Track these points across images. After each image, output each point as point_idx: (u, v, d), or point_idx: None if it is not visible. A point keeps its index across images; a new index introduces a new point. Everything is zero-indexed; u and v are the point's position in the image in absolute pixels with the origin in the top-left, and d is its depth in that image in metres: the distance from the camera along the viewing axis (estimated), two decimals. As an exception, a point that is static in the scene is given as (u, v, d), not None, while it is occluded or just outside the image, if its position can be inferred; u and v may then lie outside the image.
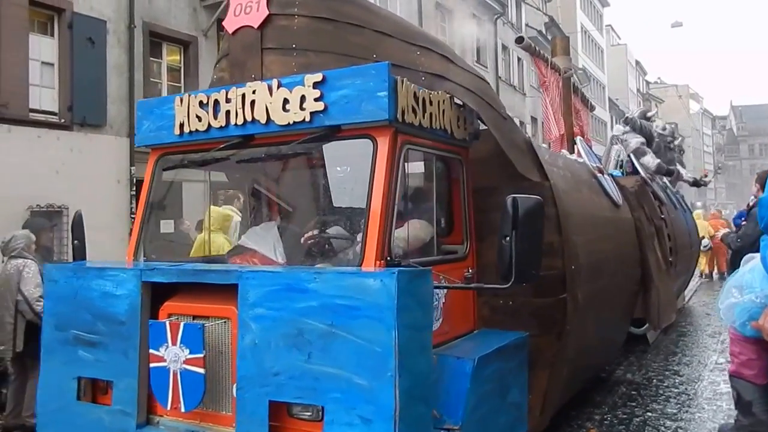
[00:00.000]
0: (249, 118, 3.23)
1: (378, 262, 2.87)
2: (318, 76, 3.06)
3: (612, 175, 6.47)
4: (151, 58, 11.68)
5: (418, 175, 3.69)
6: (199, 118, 3.39)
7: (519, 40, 7.42)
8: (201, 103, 3.38)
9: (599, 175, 5.59)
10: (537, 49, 7.84)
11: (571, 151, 7.12)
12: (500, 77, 25.86)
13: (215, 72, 3.68)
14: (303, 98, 3.09)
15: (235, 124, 3.28)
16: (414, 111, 3.12)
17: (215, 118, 3.34)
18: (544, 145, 5.73)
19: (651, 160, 7.77)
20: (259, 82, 3.22)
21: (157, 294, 3.19)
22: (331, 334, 2.60)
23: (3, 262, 5.20)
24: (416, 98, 3.14)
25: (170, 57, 12.24)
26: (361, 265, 2.89)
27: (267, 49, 3.34)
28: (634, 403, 5.63)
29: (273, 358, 2.74)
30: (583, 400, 5.54)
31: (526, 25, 30.08)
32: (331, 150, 3.30)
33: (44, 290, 3.48)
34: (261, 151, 3.33)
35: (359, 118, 3.00)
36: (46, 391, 3.47)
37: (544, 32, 30.49)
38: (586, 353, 4.75)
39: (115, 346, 3.17)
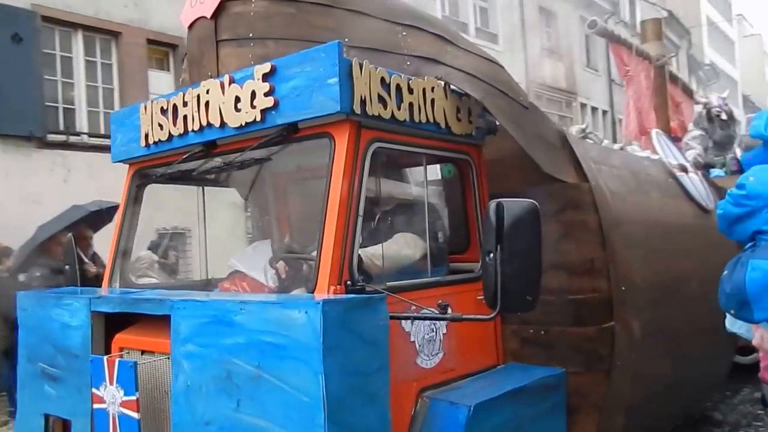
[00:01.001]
0: (205, 123, 2.81)
1: (333, 287, 2.32)
2: (267, 67, 2.59)
3: (706, 175, 5.43)
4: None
5: (404, 180, 3.10)
6: (161, 127, 3.02)
7: (591, 25, 6.56)
8: (162, 110, 3.02)
9: (680, 174, 4.65)
10: (617, 34, 6.92)
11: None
12: (613, 80, 24.16)
13: (183, 73, 3.32)
14: (253, 94, 2.62)
15: (193, 131, 2.88)
16: (383, 101, 2.55)
17: (174, 125, 2.96)
18: (606, 140, 4.87)
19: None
20: (213, 79, 2.80)
21: (119, 324, 2.84)
22: (259, 378, 2.08)
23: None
24: (386, 85, 2.57)
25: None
26: (313, 291, 2.36)
27: (222, 41, 2.91)
28: (760, 423, 4.64)
29: (204, 403, 2.27)
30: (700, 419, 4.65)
31: (642, 22, 28.04)
32: (297, 153, 2.81)
33: (18, 319, 3.27)
34: (226, 159, 2.90)
35: (311, 113, 2.49)
36: (20, 428, 3.23)
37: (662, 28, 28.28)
38: (662, 394, 3.85)
39: (72, 382, 2.85)
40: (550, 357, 3.14)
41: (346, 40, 2.87)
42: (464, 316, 2.29)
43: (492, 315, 2.22)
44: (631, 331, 3.23)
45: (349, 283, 2.36)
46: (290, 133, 2.59)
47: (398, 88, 2.63)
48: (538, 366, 3.10)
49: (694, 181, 4.81)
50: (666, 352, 3.76)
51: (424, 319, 2.39)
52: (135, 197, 3.32)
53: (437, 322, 2.75)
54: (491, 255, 2.19)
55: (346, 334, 1.97)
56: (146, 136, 3.10)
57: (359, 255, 2.62)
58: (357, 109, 2.44)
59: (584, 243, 3.15)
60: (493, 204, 2.21)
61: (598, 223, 3.19)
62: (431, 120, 2.80)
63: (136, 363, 2.49)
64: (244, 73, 2.68)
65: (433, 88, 2.81)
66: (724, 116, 6.45)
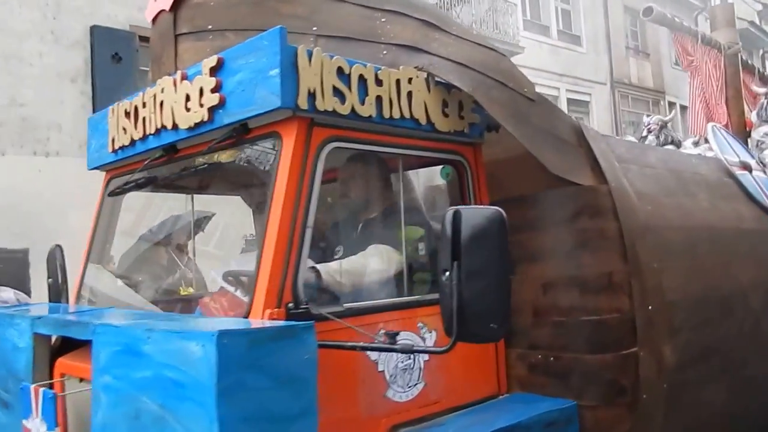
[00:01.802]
0: (160, 125, 2.57)
1: (270, 311, 2.00)
2: (213, 60, 2.31)
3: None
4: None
5: (378, 184, 2.73)
6: (125, 131, 2.80)
7: (647, 12, 5.95)
8: (126, 113, 2.80)
9: (741, 173, 4.03)
10: (678, 21, 6.26)
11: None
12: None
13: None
14: (201, 91, 2.35)
15: (152, 134, 2.64)
16: (340, 94, 2.21)
17: (135, 128, 2.73)
18: (630, 137, 4.30)
19: None
20: (168, 76, 2.55)
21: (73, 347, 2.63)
22: (162, 420, 1.77)
23: None
24: (345, 76, 2.23)
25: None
26: (248, 316, 2.05)
27: (180, 35, 2.66)
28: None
29: (116, 444, 1.99)
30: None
31: (712, 8, 26.27)
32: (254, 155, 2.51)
33: None
34: (183, 164, 2.64)
35: (255, 110, 2.18)
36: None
37: (757, 22, 26.34)
38: (714, 427, 3.28)
39: (15, 411, 2.66)
40: (563, 387, 2.69)
41: (315, 28, 2.56)
42: (415, 348, 1.91)
43: (447, 347, 1.83)
44: (662, 358, 2.72)
45: (291, 305, 2.04)
46: (241, 133, 2.30)
47: (362, 79, 2.28)
48: (546, 397, 2.66)
49: (760, 181, 4.17)
50: (718, 379, 3.19)
51: (366, 349, 2.02)
52: (111, 207, 3.12)
53: (416, 347, 2.38)
54: (447, 274, 1.81)
55: (251, 373, 1.63)
56: (113, 140, 2.90)
57: (318, 271, 2.30)
58: (303, 104, 2.11)
59: (601, 254, 2.68)
60: (449, 213, 1.82)
61: (619, 230, 2.71)
62: (408, 115, 2.43)
63: (55, 394, 2.26)
64: (195, 68, 2.41)
65: (410, 80, 2.44)
66: None
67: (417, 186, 3.36)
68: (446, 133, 2.59)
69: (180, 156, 2.63)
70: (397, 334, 1.93)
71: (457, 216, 1.81)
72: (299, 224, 2.10)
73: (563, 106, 17.88)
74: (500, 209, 1.83)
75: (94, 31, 9.54)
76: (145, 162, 2.69)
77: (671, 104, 21.61)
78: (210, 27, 2.61)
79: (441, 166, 3.01)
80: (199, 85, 2.35)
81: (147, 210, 3.39)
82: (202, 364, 1.62)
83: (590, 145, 2.87)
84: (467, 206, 1.85)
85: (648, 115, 6.94)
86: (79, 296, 3.07)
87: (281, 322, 1.92)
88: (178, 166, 2.64)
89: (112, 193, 3.06)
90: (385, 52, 2.56)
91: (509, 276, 1.84)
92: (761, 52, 22.39)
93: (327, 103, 2.17)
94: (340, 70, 2.22)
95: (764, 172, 4.40)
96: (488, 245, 1.80)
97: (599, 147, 2.91)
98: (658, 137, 6.12)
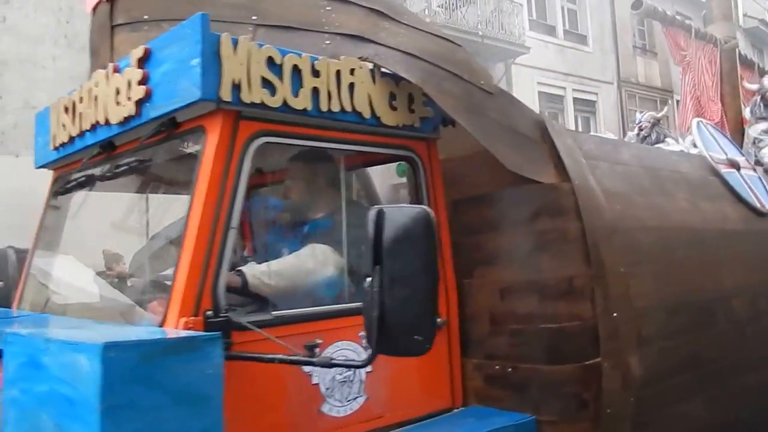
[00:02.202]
0: (94, 120, 2.44)
1: (186, 320, 1.86)
2: (141, 51, 2.17)
3: (767, 172, 4.54)
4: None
5: (324, 182, 2.58)
6: (64, 127, 2.68)
7: (636, 5, 5.77)
8: (65, 109, 2.67)
9: (728, 171, 3.84)
10: (670, 15, 6.07)
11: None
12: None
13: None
14: (129, 84, 2.21)
15: (88, 130, 2.51)
16: (270, 86, 2.06)
17: (73, 124, 2.60)
18: (609, 133, 4.11)
19: None
20: (101, 69, 2.41)
21: None
22: (58, 440, 1.64)
23: None
24: (276, 66, 2.08)
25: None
26: (163, 324, 1.91)
27: (117, 26, 2.52)
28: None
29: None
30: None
31: (745, 15, 26.11)
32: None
33: None
34: (119, 161, 2.50)
35: (178, 103, 2.03)
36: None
37: (768, 20, 26.11)
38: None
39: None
40: (521, 400, 2.52)
41: (255, 17, 2.42)
42: (333, 361, 1.75)
43: (364, 361, 1.67)
44: (628, 370, 2.54)
45: (210, 313, 1.89)
46: (170, 128, 2.15)
47: (296, 70, 2.13)
48: (503, 411, 2.50)
49: (749, 179, 3.98)
50: (696, 391, 3.01)
51: (282, 362, 1.86)
52: (56, 207, 2.99)
53: (357, 357, 2.22)
54: (368, 280, 1.65)
55: (144, 389, 1.48)
56: (54, 138, 2.77)
57: (243, 275, 2.15)
58: (227, 95, 1.97)
59: (561, 257, 2.51)
60: (372, 212, 1.67)
61: (581, 231, 2.54)
62: (349, 109, 2.27)
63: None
64: (126, 60, 2.27)
65: (352, 71, 2.29)
66: None
67: (380, 184, 3.22)
68: (394, 128, 2.43)
69: (117, 153, 2.49)
70: (316, 345, 1.77)
71: (380, 216, 1.66)
72: (222, 224, 1.95)
73: (569, 106, 17.68)
74: (427, 209, 1.67)
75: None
76: (83, 160, 2.56)
77: (679, 103, 21.36)
78: (146, 17, 2.47)
79: (397, 163, 2.87)
80: (127, 77, 2.21)
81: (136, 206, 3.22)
82: (88, 379, 1.48)
83: (554, 140, 2.70)
84: (392, 205, 1.69)
85: (641, 112, 6.74)
86: (20, 301, 2.94)
87: (181, 333, 1.77)
88: (116, 163, 2.50)
89: (56, 193, 2.93)
90: (328, 42, 2.41)
91: (436, 283, 1.68)
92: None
93: (255, 94, 2.02)
94: (270, 60, 2.07)
95: (754, 170, 4.20)
96: (413, 249, 1.64)
97: (564, 143, 2.74)
98: (650, 134, 5.94)
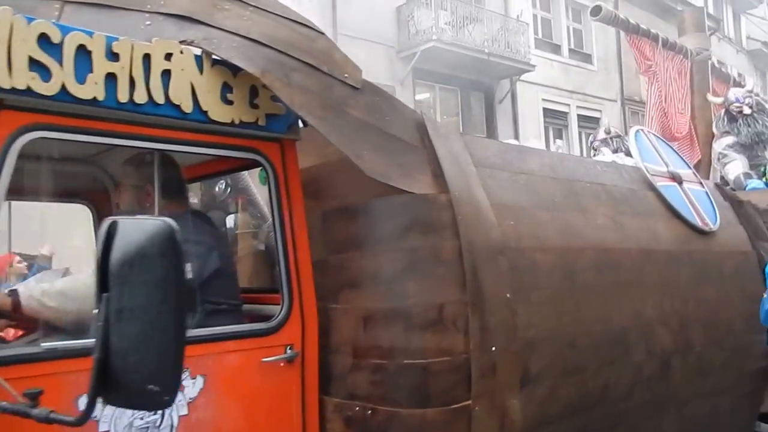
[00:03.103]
0: None
1: None
2: None
3: (722, 187, 4.16)
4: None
5: (148, 189, 2.21)
6: None
7: (595, 11, 5.44)
8: None
9: (667, 185, 3.46)
10: (633, 23, 5.74)
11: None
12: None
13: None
14: None
15: None
16: (43, 69, 1.69)
17: None
18: (513, 141, 3.74)
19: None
20: None
21: None
22: None
23: None
24: (53, 46, 1.71)
25: (371, 105, 13.86)
26: None
27: None
28: None
29: None
30: None
31: (748, 37, 26.15)
32: None
33: None
34: None
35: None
36: None
37: (770, 43, 26.06)
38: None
39: None
40: (385, 446, 2.13)
41: (66, -7, 2.05)
42: (51, 415, 1.36)
43: (77, 417, 1.29)
44: (507, 414, 2.15)
45: None
46: None
47: (83, 51, 1.76)
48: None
49: (692, 194, 3.60)
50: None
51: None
52: None
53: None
54: (96, 312, 1.28)
55: None
56: None
57: (17, 295, 1.77)
58: None
59: (431, 281, 2.13)
60: (104, 225, 1.29)
61: (457, 251, 2.16)
62: (162, 100, 1.90)
63: None
64: None
65: (169, 56, 1.92)
66: (747, 110, 5.13)
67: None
68: (229, 125, 2.06)
69: None
70: (37, 393, 1.38)
71: (111, 230, 1.28)
72: None
73: (573, 122, 17.83)
74: (168, 221, 1.29)
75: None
76: None
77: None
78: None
79: (259, 169, 2.49)
80: None
81: None
82: None
83: (434, 145, 2.33)
84: (129, 217, 1.32)
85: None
86: None
87: None
88: None
89: None
90: (148, 22, 2.04)
91: (181, 317, 1.30)
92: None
93: (19, 79, 1.65)
94: (44, 38, 1.70)
95: (702, 185, 3.83)
96: (148, 273, 1.26)
97: (448, 148, 2.38)
98: (608, 145, 5.61)
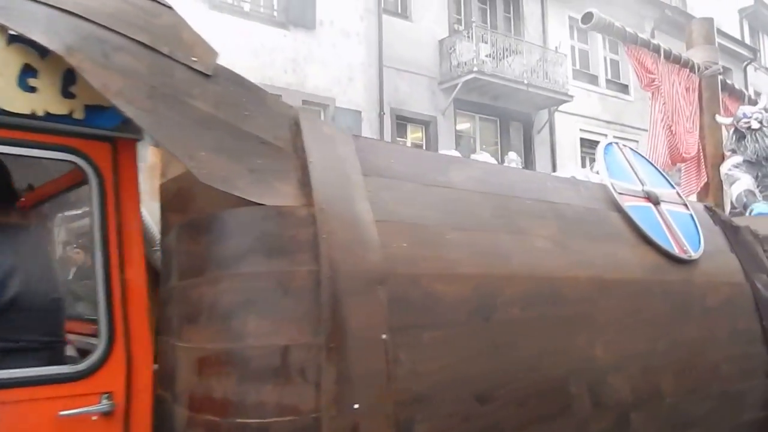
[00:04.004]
0: None
1: None
2: None
3: (713, 209, 3.60)
4: (398, 138, 13.31)
5: None
6: None
7: (586, 19, 4.97)
8: None
9: (638, 205, 2.95)
10: (631, 32, 5.25)
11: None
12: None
13: None
14: None
15: None
16: None
17: None
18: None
19: None
20: None
21: None
22: None
23: None
24: None
25: (413, 134, 14.12)
26: None
27: None
28: None
29: None
30: None
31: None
32: None
33: None
34: None
35: None
36: None
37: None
38: None
39: None
40: None
41: None
42: None
43: None
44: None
45: None
46: None
47: None
48: None
49: (671, 217, 3.08)
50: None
51: None
52: None
53: None
54: None
55: None
56: None
57: None
58: None
59: (275, 317, 1.68)
60: None
61: (315, 280, 1.71)
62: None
63: None
64: None
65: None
66: (755, 124, 4.58)
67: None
68: (29, 117, 1.66)
69: None
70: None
71: None
72: None
73: None
74: None
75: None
76: None
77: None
78: None
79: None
80: None
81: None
82: None
83: (305, 147, 1.90)
84: None
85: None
86: None
87: None
88: None
89: None
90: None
91: None
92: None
93: None
94: None
95: (687, 207, 3.31)
96: None
97: (326, 151, 1.94)
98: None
